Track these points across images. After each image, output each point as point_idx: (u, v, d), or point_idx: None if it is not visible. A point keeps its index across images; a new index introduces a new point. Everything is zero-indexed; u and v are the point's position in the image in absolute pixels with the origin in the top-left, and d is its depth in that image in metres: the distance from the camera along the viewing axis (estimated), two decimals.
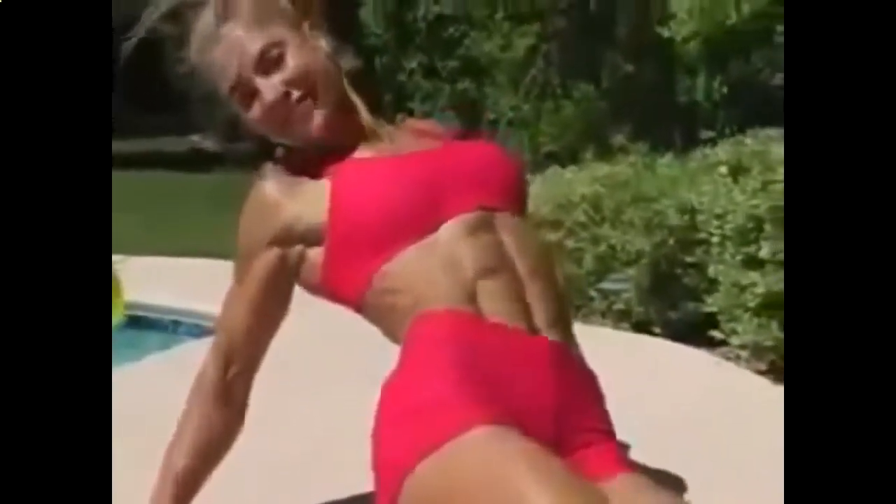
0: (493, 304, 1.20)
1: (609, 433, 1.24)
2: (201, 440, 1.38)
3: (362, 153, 1.32)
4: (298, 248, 1.31)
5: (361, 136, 1.34)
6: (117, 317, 3.27)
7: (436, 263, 1.21)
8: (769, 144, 3.69)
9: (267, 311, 1.37)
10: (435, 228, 1.23)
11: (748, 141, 3.93)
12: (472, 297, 1.20)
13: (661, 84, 11.59)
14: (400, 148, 1.33)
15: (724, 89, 10.70)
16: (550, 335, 1.21)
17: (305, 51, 1.30)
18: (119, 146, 3.20)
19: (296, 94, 1.29)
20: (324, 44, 1.34)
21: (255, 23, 1.30)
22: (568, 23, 12.56)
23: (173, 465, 1.38)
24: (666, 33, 10.75)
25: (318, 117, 1.30)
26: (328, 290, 1.31)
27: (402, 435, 1.14)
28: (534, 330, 1.21)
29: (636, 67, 12.18)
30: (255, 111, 1.30)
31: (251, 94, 1.30)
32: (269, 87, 1.28)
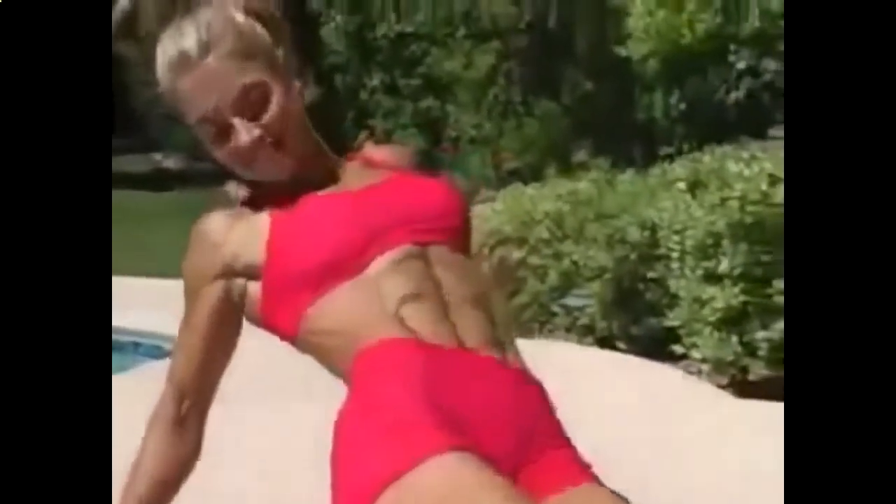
0: (420, 326, 1.20)
1: (567, 441, 1.25)
2: (159, 470, 1.39)
3: (313, 190, 1.33)
4: (241, 281, 1.32)
5: (317, 172, 1.35)
6: None
7: (364, 300, 1.22)
8: (725, 161, 3.74)
9: (216, 343, 1.38)
10: (366, 267, 1.24)
11: (705, 158, 3.99)
12: (401, 323, 1.20)
13: (620, 101, 11.74)
14: (347, 184, 1.34)
15: (682, 106, 10.87)
16: (487, 354, 1.21)
17: (283, 94, 1.30)
18: None
19: (270, 139, 1.28)
20: (297, 83, 1.34)
21: (236, 56, 1.28)
22: (528, 41, 12.68)
23: (134, 492, 1.38)
24: (623, 52, 10.91)
25: (286, 162, 1.30)
26: (266, 326, 1.32)
27: (363, 463, 1.13)
28: (466, 350, 1.21)
29: (596, 85, 12.32)
30: (226, 149, 1.29)
31: (224, 130, 1.28)
32: (246, 129, 1.26)
